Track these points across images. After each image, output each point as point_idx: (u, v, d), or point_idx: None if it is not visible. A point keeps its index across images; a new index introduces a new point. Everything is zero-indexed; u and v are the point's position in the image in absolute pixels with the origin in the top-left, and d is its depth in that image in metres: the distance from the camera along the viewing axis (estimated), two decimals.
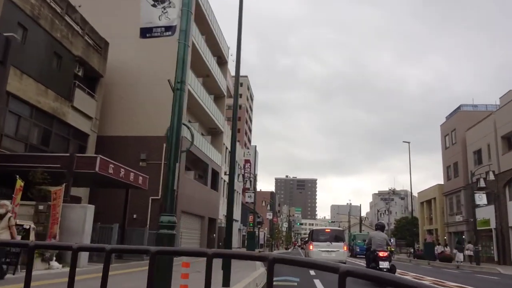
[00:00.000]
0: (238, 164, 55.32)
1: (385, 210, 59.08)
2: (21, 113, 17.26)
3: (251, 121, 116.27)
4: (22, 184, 11.03)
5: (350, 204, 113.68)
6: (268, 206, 53.61)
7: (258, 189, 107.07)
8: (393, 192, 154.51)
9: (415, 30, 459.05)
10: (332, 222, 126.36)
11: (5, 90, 13.00)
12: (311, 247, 21.83)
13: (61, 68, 20.04)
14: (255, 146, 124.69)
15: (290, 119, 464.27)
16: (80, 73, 21.97)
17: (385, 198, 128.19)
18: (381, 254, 11.09)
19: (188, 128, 12.48)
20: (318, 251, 20.84)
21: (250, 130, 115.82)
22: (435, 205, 46.26)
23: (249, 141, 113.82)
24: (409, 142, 38.27)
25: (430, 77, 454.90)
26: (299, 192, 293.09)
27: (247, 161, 57.82)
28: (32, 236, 10.30)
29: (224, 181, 40.97)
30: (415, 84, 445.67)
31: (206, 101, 30.47)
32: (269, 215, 52.89)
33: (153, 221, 23.77)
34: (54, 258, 11.02)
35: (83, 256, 11.64)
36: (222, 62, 37.55)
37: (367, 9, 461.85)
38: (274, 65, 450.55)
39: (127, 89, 26.15)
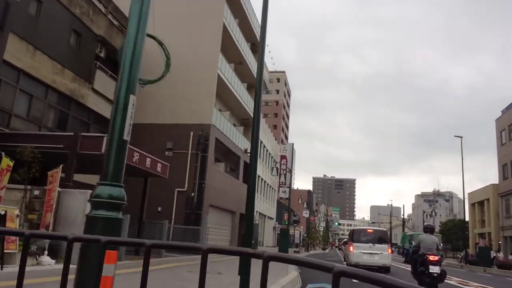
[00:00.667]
0: (274, 160, 53.25)
1: (431, 212, 55.14)
2: (33, 93, 15.85)
3: (288, 117, 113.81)
4: (11, 163, 9.34)
5: (391, 205, 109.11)
6: (305, 204, 51.09)
7: (295, 188, 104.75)
8: (438, 193, 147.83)
9: (460, 28, 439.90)
10: (372, 223, 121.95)
11: (2, 58, 11.43)
12: (351, 248, 19.81)
13: (81, 47, 18.59)
14: (292, 143, 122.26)
15: (329, 118, 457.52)
16: (102, 54, 20.54)
17: (429, 199, 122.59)
18: (431, 258, 10.36)
19: (160, 44, 10.11)
20: (359, 253, 19.08)
21: (287, 127, 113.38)
22: (488, 207, 42.30)
23: (286, 138, 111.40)
24: (461, 137, 34.80)
25: (475, 77, 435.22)
26: (337, 192, 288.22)
27: (283, 156, 55.52)
28: (15, 225, 8.57)
29: (259, 176, 38.94)
30: (459, 84, 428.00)
31: (238, 89, 28.53)
32: (306, 213, 50.38)
33: (179, 215, 22.05)
34: (46, 252, 9.27)
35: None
36: (256, 49, 35.42)
37: (409, 6, 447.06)
38: (313, 64, 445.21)
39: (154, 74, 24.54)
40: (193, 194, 22.00)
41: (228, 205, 26.72)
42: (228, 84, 26.05)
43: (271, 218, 51.83)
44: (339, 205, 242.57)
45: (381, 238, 20.20)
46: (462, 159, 33.40)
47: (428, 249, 10.70)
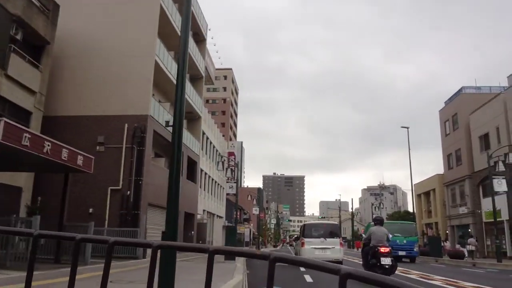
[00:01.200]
0: (221, 156, 51.39)
1: (379, 203, 55.61)
2: None
3: (236, 115, 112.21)
4: None
5: (340, 200, 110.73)
6: (254, 200, 49.73)
7: (245, 186, 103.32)
8: (383, 187, 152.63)
9: (404, 27, 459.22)
10: (321, 218, 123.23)
11: None
12: (302, 244, 18.67)
13: None
14: (241, 142, 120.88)
15: (279, 117, 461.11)
16: (18, 37, 17.79)
17: (375, 193, 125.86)
18: (382, 249, 10.53)
19: None
20: (311, 248, 18.15)
21: (236, 125, 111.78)
22: (434, 197, 42.92)
23: (235, 136, 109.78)
24: (407, 127, 34.79)
25: (419, 74, 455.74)
26: (287, 189, 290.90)
27: (230, 153, 53.89)
28: None
29: (204, 172, 36.97)
30: (403, 82, 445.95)
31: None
32: (256, 210, 49.08)
33: (113, 216, 19.72)
34: None
35: None
36: (199, 39, 33.46)
37: (356, 5, 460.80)
38: (262, 63, 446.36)
39: (83, 62, 21.93)
40: (128, 192, 19.73)
41: None
42: (168, 72, 23.89)
43: (220, 217, 49.93)
44: (289, 202, 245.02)
45: (332, 232, 19.25)
46: (409, 149, 33.27)
47: (378, 241, 10.74)
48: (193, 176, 29.88)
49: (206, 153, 37.19)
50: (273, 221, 71.44)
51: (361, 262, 12.42)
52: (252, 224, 62.16)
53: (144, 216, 20.02)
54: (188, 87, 28.56)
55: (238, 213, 51.77)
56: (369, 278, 1.08)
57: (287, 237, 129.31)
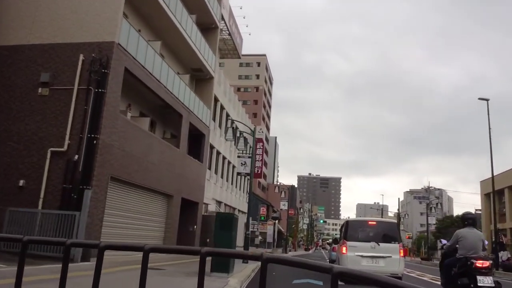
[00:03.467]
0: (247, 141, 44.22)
1: (436, 204, 46.62)
2: None
3: (270, 106, 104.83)
4: None
5: (382, 203, 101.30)
6: (283, 193, 42.12)
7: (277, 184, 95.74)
8: (427, 190, 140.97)
9: (445, 26, 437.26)
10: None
11: None
12: (344, 249, 12.38)
13: None
14: (275, 137, 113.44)
15: (314, 118, 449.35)
16: None
17: (419, 196, 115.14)
18: (479, 263, 7.06)
19: None
20: (356, 256, 12.19)
21: (269, 117, 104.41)
22: (510, 197, 33.98)
23: (268, 128, 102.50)
24: (487, 99, 26.21)
25: (461, 76, 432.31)
26: (323, 190, 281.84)
27: (259, 140, 46.77)
28: None
29: (217, 151, 29.85)
30: (444, 84, 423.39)
31: (183, 21, 19.40)
32: (284, 205, 41.52)
33: (53, 192, 12.84)
34: None
35: None
36: None
37: (396, 3, 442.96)
38: (298, 62, 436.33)
39: None
40: (76, 156, 12.76)
41: (160, 185, 17.54)
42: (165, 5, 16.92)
43: (243, 212, 42.79)
44: (324, 204, 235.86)
45: (388, 234, 12.81)
46: (490, 127, 24.77)
47: (471, 250, 7.33)
48: (198, 153, 22.75)
49: (221, 128, 29.98)
50: (306, 220, 63.61)
51: (438, 281, 9.54)
52: (277, 224, 54.72)
53: (100, 194, 12.97)
54: (196, 35, 21.48)
55: (264, 209, 44.45)
56: (361, 276, 1.07)
57: (320, 240, 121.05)
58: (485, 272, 7.19)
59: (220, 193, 32.86)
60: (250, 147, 17.21)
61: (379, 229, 13.06)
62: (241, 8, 74.43)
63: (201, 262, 1.30)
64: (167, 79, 17.88)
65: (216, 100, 28.38)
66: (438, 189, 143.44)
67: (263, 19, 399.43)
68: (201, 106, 22.36)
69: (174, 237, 18.99)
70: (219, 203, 33.32)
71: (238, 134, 17.20)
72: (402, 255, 12.44)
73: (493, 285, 7.12)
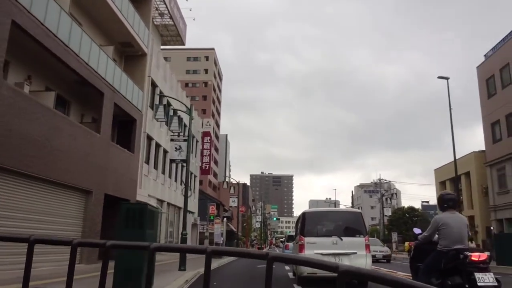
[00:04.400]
0: (194, 137, 40.80)
1: (392, 194, 45.34)
2: None
3: (219, 102, 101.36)
4: None
5: (334, 198, 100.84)
6: (232, 189, 38.91)
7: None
8: (376, 184, 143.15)
9: (392, 25, 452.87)
10: None
11: None
12: (301, 247, 10.33)
13: None
14: (226, 135, 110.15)
15: (268, 117, 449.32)
16: None
17: (369, 190, 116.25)
18: (475, 256, 5.58)
19: None
20: (315, 255, 9.92)
21: (219, 113, 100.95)
22: (468, 183, 32.91)
23: (218, 126, 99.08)
24: (447, 78, 24.58)
25: (408, 74, 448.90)
26: (275, 189, 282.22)
27: (206, 133, 43.53)
28: None
29: (156, 143, 26.33)
30: (393, 82, 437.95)
31: None
32: (233, 202, 38.40)
33: None
34: None
35: None
36: None
37: (346, 3, 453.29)
38: (251, 62, 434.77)
39: None
40: None
41: (72, 178, 13.93)
42: None
43: (190, 212, 39.36)
44: (277, 202, 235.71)
45: (351, 226, 10.79)
46: (450, 106, 23.04)
47: (457, 240, 5.86)
48: (128, 142, 19.21)
49: (148, 105, 26.35)
50: (258, 218, 60.89)
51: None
52: (227, 223, 51.67)
53: None
54: (122, 2, 17.96)
55: (213, 208, 41.21)
56: (366, 274, 1.07)
57: (274, 238, 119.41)
58: (483, 267, 5.68)
59: (161, 190, 29.33)
60: (186, 126, 14.05)
61: (341, 221, 11.01)
62: (187, 0, 70.36)
63: (207, 261, 1.31)
64: (81, 47, 14.31)
65: (154, 85, 24.87)
66: (387, 181, 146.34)
67: (212, 19, 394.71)
68: (130, 85, 18.84)
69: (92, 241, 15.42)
70: (160, 201, 29.78)
71: (171, 113, 13.91)
72: (367, 251, 10.34)
73: (496, 283, 5.55)
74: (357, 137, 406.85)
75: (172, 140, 13.44)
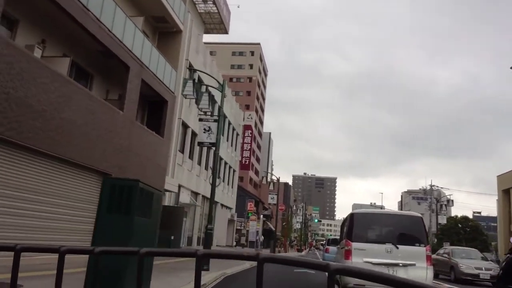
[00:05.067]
0: (235, 130, 39.17)
1: (447, 201, 41.65)
2: None
3: (264, 99, 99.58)
4: None
5: (381, 202, 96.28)
6: (272, 185, 36.84)
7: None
8: (425, 191, 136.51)
9: (444, 28, 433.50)
10: None
11: None
12: (347, 254, 8.71)
13: None
14: (270, 133, 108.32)
15: (312, 118, 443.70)
16: None
17: (419, 197, 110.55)
18: None
19: None
20: (365, 264, 8.42)
21: (263, 110, 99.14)
22: None
23: (261, 122, 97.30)
24: None
25: (459, 78, 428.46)
26: (318, 191, 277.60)
27: (247, 127, 41.70)
28: None
29: (192, 131, 24.72)
30: (443, 86, 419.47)
31: None
32: (273, 199, 36.28)
33: None
34: None
35: None
36: None
37: (396, 2, 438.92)
38: (295, 61, 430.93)
39: None
40: None
41: (86, 156, 12.35)
42: None
43: (227, 208, 37.72)
44: (319, 204, 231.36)
45: (410, 232, 9.12)
46: None
47: None
48: (157, 125, 17.55)
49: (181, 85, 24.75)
50: (299, 219, 58.33)
51: None
52: (265, 223, 49.60)
53: None
54: None
55: (252, 205, 39.34)
56: (357, 272, 1.07)
57: (315, 240, 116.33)
58: None
59: (197, 182, 27.73)
60: (219, 107, 12.03)
61: (397, 226, 9.29)
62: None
63: (197, 265, 1.29)
64: (103, 10, 12.71)
65: (191, 69, 23.22)
66: (437, 188, 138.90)
67: (259, 18, 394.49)
68: (162, 63, 17.16)
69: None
70: (195, 194, 28.20)
71: (204, 90, 11.91)
72: (429, 263, 8.73)
73: None
74: (403, 141, 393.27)
75: (200, 120, 11.54)
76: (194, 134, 26.82)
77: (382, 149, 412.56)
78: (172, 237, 18.75)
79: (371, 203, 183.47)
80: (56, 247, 1.57)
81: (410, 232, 9.06)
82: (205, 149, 29.50)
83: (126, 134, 14.38)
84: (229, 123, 36.93)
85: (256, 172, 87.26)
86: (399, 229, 9.09)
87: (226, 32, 40.28)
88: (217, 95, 16.66)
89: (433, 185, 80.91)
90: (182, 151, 24.92)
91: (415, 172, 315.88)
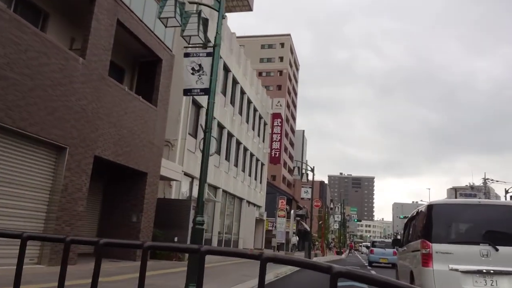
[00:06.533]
0: (262, 119, 34.71)
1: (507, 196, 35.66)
2: None
3: (296, 94, 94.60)
4: None
5: (429, 199, 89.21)
6: (304, 177, 31.98)
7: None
8: (472, 187, 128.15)
9: (483, 18, 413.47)
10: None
11: None
12: (427, 258, 6.14)
13: None
14: (303, 131, 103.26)
15: (346, 117, 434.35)
16: None
17: (465, 193, 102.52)
18: None
19: None
20: (452, 272, 6.05)
21: (295, 106, 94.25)
22: None
23: (294, 119, 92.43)
24: None
25: (501, 70, 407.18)
26: (355, 191, 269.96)
27: (276, 115, 37.16)
28: None
29: (197, 103, 20.42)
30: (483, 79, 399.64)
31: None
32: (306, 193, 31.45)
33: None
34: None
35: None
36: None
37: None
38: (328, 59, 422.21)
39: None
40: None
41: (28, 121, 8.19)
42: None
43: (256, 206, 33.25)
44: (357, 205, 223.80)
45: (511, 229, 6.47)
46: None
47: None
48: (150, 92, 13.28)
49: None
50: (337, 218, 53.16)
51: None
52: (303, 223, 44.70)
53: None
54: None
55: (283, 202, 34.67)
56: (360, 276, 1.06)
57: (353, 242, 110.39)
58: None
59: (215, 175, 23.41)
60: (218, 34, 7.55)
61: (494, 220, 6.72)
62: None
63: (201, 262, 1.29)
64: None
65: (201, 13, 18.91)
66: (492, 181, 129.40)
67: (291, 15, 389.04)
68: (152, 6, 12.88)
69: (73, 229, 9.54)
70: (214, 188, 23.91)
71: (193, 11, 7.60)
72: None
73: None
74: (443, 138, 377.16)
75: (186, 55, 7.29)
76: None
77: (421, 147, 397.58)
78: (176, 238, 14.51)
79: (413, 201, 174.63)
80: (62, 237, 1.60)
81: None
82: (226, 135, 25.19)
83: (91, 93, 10.14)
84: (255, 110, 32.48)
85: (290, 171, 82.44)
86: (497, 225, 6.75)
87: (250, 9, 35.97)
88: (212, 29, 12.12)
89: (488, 178, 73.16)
90: (194, 135, 20.71)
91: (456, 170, 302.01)
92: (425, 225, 6.81)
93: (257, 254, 1.29)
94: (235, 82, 27.09)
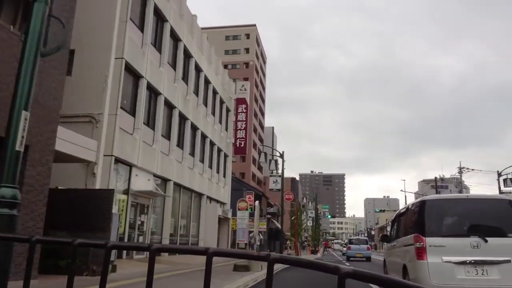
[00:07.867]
0: (224, 104, 30.53)
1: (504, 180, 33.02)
2: None
3: (264, 88, 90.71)
4: None
5: (404, 190, 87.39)
6: (272, 163, 27.97)
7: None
8: (442, 179, 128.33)
9: (446, 15, 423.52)
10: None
11: None
12: (421, 252, 6.61)
13: None
14: (272, 127, 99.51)
15: (314, 115, 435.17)
16: None
17: (438, 185, 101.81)
18: None
19: None
20: (445, 264, 6.47)
21: (263, 100, 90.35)
22: None
23: (262, 114, 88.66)
24: None
25: (464, 66, 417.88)
26: (326, 188, 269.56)
27: (241, 100, 33.04)
28: None
29: (134, 72, 16.06)
30: (446, 74, 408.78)
31: None
32: (275, 183, 27.52)
33: None
34: None
35: None
36: None
37: None
38: (296, 58, 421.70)
39: None
40: None
41: None
42: None
43: (219, 202, 29.05)
44: (328, 202, 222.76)
45: (499, 221, 6.90)
46: None
47: None
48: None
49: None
50: (311, 214, 49.53)
51: None
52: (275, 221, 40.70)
53: None
54: None
55: (251, 198, 30.64)
56: (369, 277, 1.07)
57: (326, 240, 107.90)
58: None
59: (162, 163, 19.02)
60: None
61: (482, 213, 7.06)
62: None
63: (207, 264, 1.25)
64: None
65: None
66: (467, 170, 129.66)
67: (257, 14, 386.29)
68: None
69: None
70: (163, 180, 19.55)
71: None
72: None
73: None
74: (410, 134, 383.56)
75: None
76: (154, 91, 18.20)
77: (389, 143, 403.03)
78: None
79: (384, 196, 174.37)
80: (69, 240, 1.56)
81: (500, 220, 6.93)
82: (177, 116, 20.88)
83: None
84: (215, 92, 28.27)
85: (260, 168, 78.64)
86: (484, 217, 7.02)
87: None
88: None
89: (463, 167, 71.24)
90: (132, 112, 16.36)
91: (423, 165, 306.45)
92: (417, 220, 7.09)
93: (265, 255, 1.25)
94: (187, 55, 22.82)
